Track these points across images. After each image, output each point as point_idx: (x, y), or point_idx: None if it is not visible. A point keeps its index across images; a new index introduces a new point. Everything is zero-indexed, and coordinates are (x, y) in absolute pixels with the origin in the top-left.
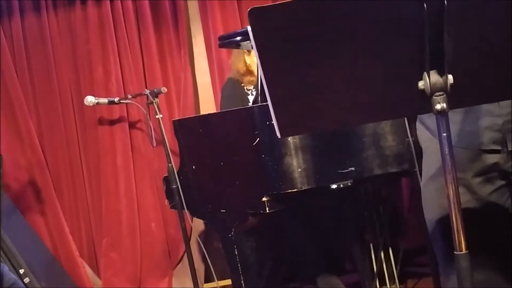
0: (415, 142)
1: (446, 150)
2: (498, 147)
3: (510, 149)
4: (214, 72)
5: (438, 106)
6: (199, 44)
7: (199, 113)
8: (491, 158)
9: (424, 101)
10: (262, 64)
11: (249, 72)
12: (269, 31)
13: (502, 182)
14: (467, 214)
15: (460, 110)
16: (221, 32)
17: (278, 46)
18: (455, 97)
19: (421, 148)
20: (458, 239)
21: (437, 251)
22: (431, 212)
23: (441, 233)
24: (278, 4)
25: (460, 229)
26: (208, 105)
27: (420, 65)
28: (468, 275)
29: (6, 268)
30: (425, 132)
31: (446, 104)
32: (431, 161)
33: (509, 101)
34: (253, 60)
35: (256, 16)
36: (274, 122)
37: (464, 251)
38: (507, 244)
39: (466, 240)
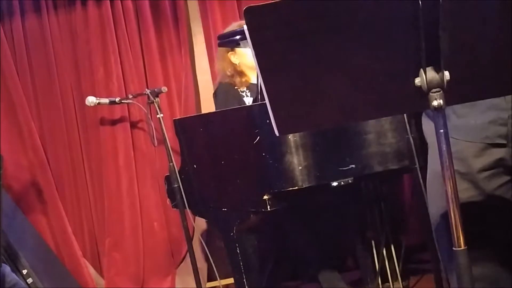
0: (415, 138)
1: (444, 146)
2: (504, 141)
3: None
4: (215, 71)
5: (435, 103)
6: (200, 43)
7: (200, 111)
8: (497, 153)
9: (421, 97)
10: (259, 62)
11: (237, 72)
12: (265, 30)
13: (507, 178)
14: (473, 209)
15: (466, 103)
16: (221, 30)
17: (274, 45)
18: (452, 93)
19: (421, 144)
20: (456, 235)
21: (441, 246)
22: (436, 207)
23: (446, 228)
24: (273, 2)
25: (458, 225)
26: (209, 103)
27: (416, 62)
28: (467, 271)
29: (8, 269)
30: (431, 126)
31: (443, 100)
32: (437, 155)
33: None
34: (241, 59)
35: (252, 14)
36: (272, 120)
37: (462, 247)
38: None
39: (468, 236)
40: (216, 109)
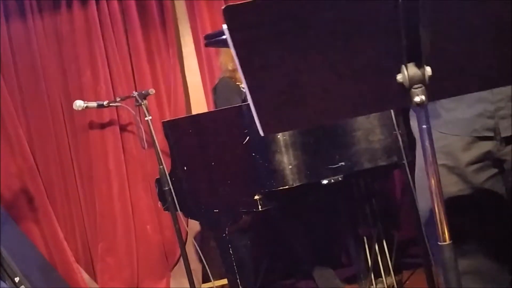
0: (402, 134)
1: (427, 142)
2: (491, 134)
3: (503, 135)
4: (204, 71)
5: (417, 99)
6: (188, 44)
7: (191, 113)
8: (484, 146)
9: (403, 94)
10: (240, 61)
11: None
12: (244, 29)
13: (495, 170)
14: (462, 202)
15: (453, 97)
16: (210, 31)
17: (255, 43)
18: (434, 88)
19: (409, 140)
20: (441, 229)
21: (431, 240)
22: (425, 201)
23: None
24: (252, 1)
25: (443, 220)
26: (199, 104)
27: (397, 58)
28: (453, 265)
29: None
30: None
31: (425, 96)
32: None
33: (502, 88)
34: None
35: (232, 13)
36: (256, 119)
37: (447, 241)
38: (504, 230)
39: (457, 228)
40: (215, 103)
